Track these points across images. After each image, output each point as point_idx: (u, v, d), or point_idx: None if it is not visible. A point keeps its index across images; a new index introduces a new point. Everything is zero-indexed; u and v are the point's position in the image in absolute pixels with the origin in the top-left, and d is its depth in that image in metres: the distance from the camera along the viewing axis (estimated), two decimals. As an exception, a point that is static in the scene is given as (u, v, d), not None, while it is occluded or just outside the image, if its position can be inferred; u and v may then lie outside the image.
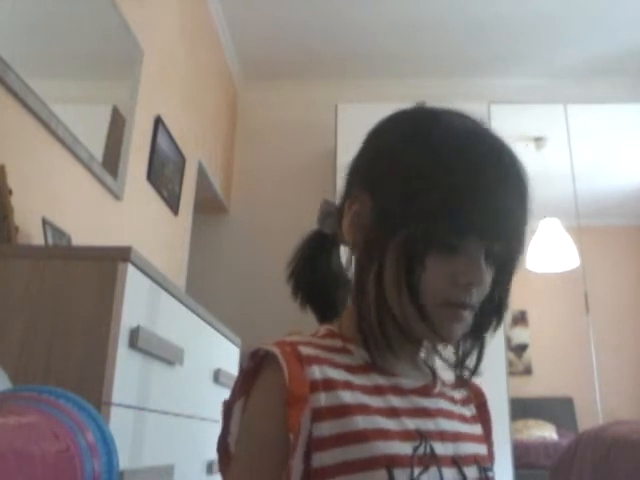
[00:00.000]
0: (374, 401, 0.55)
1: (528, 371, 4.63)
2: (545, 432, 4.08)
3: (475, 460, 0.59)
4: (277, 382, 0.53)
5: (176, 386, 1.25)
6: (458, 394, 0.67)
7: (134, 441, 1.02)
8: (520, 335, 4.71)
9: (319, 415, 0.52)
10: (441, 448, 0.56)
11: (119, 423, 0.94)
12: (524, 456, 3.54)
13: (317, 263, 0.68)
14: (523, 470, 3.25)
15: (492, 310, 0.62)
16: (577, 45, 3.45)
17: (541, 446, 3.72)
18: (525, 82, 3.71)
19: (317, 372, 0.54)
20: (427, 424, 0.57)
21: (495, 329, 0.64)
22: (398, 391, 0.58)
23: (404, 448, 0.53)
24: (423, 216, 0.56)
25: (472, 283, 0.57)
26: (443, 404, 0.62)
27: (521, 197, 0.59)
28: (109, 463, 0.70)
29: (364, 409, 0.54)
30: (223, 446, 0.58)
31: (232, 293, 3.38)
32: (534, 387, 4.49)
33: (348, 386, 0.55)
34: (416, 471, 0.52)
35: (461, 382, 0.66)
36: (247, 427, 0.55)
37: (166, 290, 1.17)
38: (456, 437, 0.59)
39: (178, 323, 1.27)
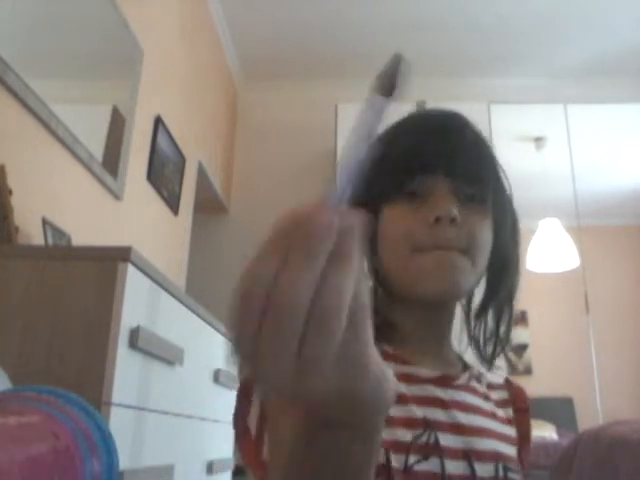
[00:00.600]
0: None
1: (528, 371, 4.62)
2: (545, 432, 4.08)
3: (495, 458, 0.58)
4: None
5: (176, 386, 1.25)
6: (496, 394, 0.66)
7: (134, 441, 1.02)
8: (520, 335, 4.70)
9: None
10: (450, 439, 0.55)
11: (119, 423, 0.94)
12: (524, 456, 3.53)
13: None
14: (523, 470, 3.24)
15: (504, 285, 0.63)
16: (577, 45, 3.45)
17: (541, 446, 3.71)
18: (525, 82, 3.71)
19: None
20: (438, 414, 0.57)
21: (508, 305, 0.64)
22: (412, 379, 0.58)
23: (405, 435, 0.53)
24: (384, 167, 0.58)
25: (440, 217, 0.56)
26: (466, 397, 0.60)
27: (478, 147, 0.62)
28: (109, 463, 0.70)
29: None
30: (242, 426, 0.56)
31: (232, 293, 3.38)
32: (534, 387, 4.48)
33: None
34: (412, 459, 0.52)
35: (500, 385, 0.67)
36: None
37: (166, 290, 1.17)
38: (475, 431, 0.58)
39: (178, 323, 1.27)
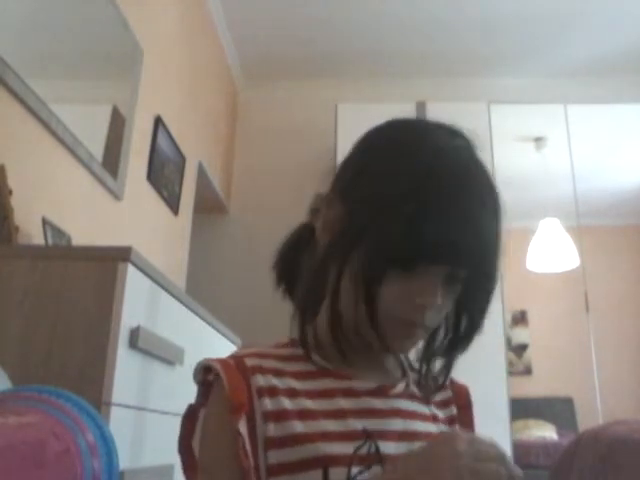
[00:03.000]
0: (319, 404, 0.58)
1: (528, 371, 4.62)
2: (545, 432, 4.08)
3: None
4: (222, 394, 0.57)
5: (176, 386, 1.25)
6: (437, 396, 0.67)
7: (134, 441, 1.02)
8: (520, 335, 4.70)
9: (268, 418, 0.56)
10: (391, 447, 0.57)
11: (119, 423, 0.94)
12: (524, 456, 3.54)
13: (301, 254, 0.69)
14: (523, 470, 3.24)
15: (464, 331, 0.63)
16: (577, 45, 3.45)
17: (541, 446, 3.71)
18: (525, 82, 3.71)
19: (262, 380, 0.58)
20: (377, 424, 0.58)
21: (462, 350, 0.64)
22: (350, 393, 0.60)
23: (345, 448, 0.55)
24: (387, 233, 0.56)
25: (425, 305, 0.57)
26: (403, 404, 0.62)
27: (491, 231, 0.58)
28: (109, 463, 0.70)
29: (304, 414, 0.57)
30: (185, 447, 0.62)
31: (232, 293, 3.38)
32: (534, 387, 4.48)
33: (290, 393, 0.58)
34: (354, 470, 0.54)
35: (447, 385, 0.67)
36: (203, 436, 0.60)
37: (166, 290, 1.17)
38: (415, 436, 0.59)
39: (178, 323, 1.27)
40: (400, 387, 0.63)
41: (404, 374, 0.66)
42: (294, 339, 0.64)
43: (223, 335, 1.63)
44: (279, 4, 3.20)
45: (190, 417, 0.63)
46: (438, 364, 0.65)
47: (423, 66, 3.67)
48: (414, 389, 0.65)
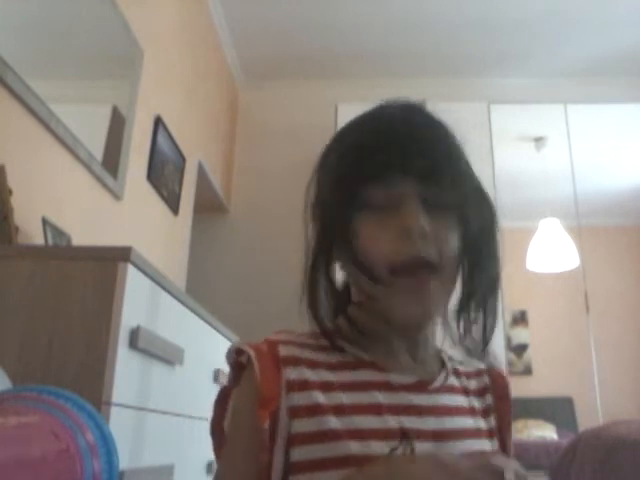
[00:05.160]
0: (355, 398, 0.56)
1: (528, 371, 4.62)
2: (545, 432, 4.08)
3: None
4: (252, 383, 0.56)
5: (176, 386, 1.25)
6: (475, 383, 0.65)
7: (134, 441, 1.02)
8: (520, 335, 4.70)
9: (296, 413, 0.54)
10: (427, 447, 0.55)
11: (119, 423, 0.94)
12: (524, 456, 3.54)
13: None
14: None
15: (482, 278, 0.61)
16: (577, 45, 3.45)
17: (541, 446, 3.71)
18: (525, 82, 3.71)
19: (294, 373, 0.56)
20: (415, 422, 0.56)
21: (491, 295, 0.62)
22: (388, 387, 0.58)
23: (380, 447, 0.53)
24: (340, 178, 0.59)
25: (411, 227, 0.55)
26: (442, 399, 0.60)
27: (445, 143, 0.61)
28: (109, 463, 0.70)
29: (339, 409, 0.55)
30: (218, 429, 0.61)
31: (232, 293, 3.38)
32: (534, 387, 4.48)
33: (324, 386, 0.56)
34: None
35: (480, 370, 0.66)
36: (231, 418, 0.59)
37: (166, 290, 1.17)
38: (452, 435, 0.57)
39: (178, 323, 1.27)
40: (439, 381, 0.61)
41: (443, 366, 0.64)
42: (322, 333, 0.62)
43: (223, 335, 1.63)
44: (279, 4, 3.20)
45: (222, 400, 0.61)
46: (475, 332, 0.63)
47: (423, 66, 3.67)
48: (454, 381, 0.63)
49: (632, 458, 1.85)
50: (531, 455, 3.65)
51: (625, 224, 4.79)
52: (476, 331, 0.62)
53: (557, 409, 4.41)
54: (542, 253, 3.96)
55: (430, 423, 0.57)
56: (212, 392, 1.52)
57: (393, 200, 0.57)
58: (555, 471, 2.39)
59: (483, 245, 0.61)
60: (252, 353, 0.57)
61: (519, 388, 4.00)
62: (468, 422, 0.61)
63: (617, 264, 4.67)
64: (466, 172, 0.62)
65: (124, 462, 0.92)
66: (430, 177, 0.57)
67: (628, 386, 4.33)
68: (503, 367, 2.82)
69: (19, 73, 1.40)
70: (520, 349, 4.69)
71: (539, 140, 3.78)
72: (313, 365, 0.57)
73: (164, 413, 1.17)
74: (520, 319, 4.72)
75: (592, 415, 3.54)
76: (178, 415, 1.25)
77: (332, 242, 0.60)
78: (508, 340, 4.53)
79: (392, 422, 0.55)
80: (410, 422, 0.56)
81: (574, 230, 3.78)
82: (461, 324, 0.63)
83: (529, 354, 4.68)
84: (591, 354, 3.63)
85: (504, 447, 0.65)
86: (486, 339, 0.62)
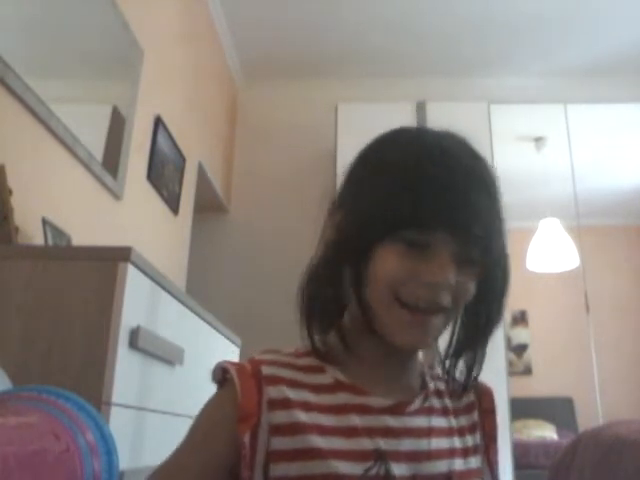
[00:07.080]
0: (331, 420, 0.57)
1: (528, 371, 4.62)
2: (545, 432, 4.08)
3: (447, 478, 0.58)
4: (232, 397, 0.57)
5: (176, 386, 1.25)
6: (459, 402, 0.66)
7: (134, 441, 1.02)
8: (520, 335, 4.70)
9: (276, 430, 0.56)
10: (402, 468, 0.56)
11: (119, 423, 0.94)
12: (524, 456, 3.54)
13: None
14: (523, 470, 3.25)
15: (481, 325, 0.62)
16: (577, 45, 3.45)
17: (541, 446, 3.71)
18: (525, 82, 3.71)
19: (275, 392, 0.57)
20: (391, 444, 0.57)
21: (482, 346, 0.63)
22: (366, 410, 0.58)
23: (354, 468, 0.54)
24: (377, 204, 0.57)
25: (439, 283, 0.56)
26: (419, 421, 0.60)
27: (485, 207, 0.58)
28: (109, 463, 0.70)
29: (319, 429, 0.56)
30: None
31: (232, 293, 3.38)
32: (534, 387, 4.48)
33: (304, 406, 0.57)
34: None
35: (463, 391, 0.66)
36: (203, 424, 0.61)
37: (166, 290, 1.17)
38: (428, 456, 0.58)
39: (178, 323, 1.27)
40: (417, 403, 0.62)
41: (423, 385, 0.65)
42: (313, 349, 0.63)
43: (223, 335, 1.63)
44: (279, 4, 3.20)
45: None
46: (461, 365, 0.64)
47: (423, 66, 3.67)
48: (433, 401, 0.63)
49: (632, 458, 1.85)
50: (531, 455, 3.65)
51: (625, 224, 4.79)
52: (463, 367, 0.64)
53: (557, 409, 4.41)
54: (542, 253, 3.97)
55: (406, 445, 0.57)
56: (212, 392, 1.52)
57: (423, 240, 0.56)
58: (555, 471, 2.39)
59: (494, 300, 0.62)
60: (233, 371, 0.59)
61: (519, 388, 4.00)
62: (443, 443, 0.61)
63: (617, 264, 4.67)
64: (499, 229, 0.60)
65: (124, 462, 0.92)
66: (468, 233, 0.56)
67: (628, 386, 4.33)
68: (504, 367, 2.82)
69: (19, 73, 1.40)
70: (520, 349, 4.69)
71: (539, 140, 3.78)
72: (294, 385, 0.59)
73: (164, 413, 1.17)
74: (520, 319, 4.73)
75: (592, 415, 3.54)
76: (178, 415, 1.25)
77: (344, 263, 0.60)
78: (508, 340, 4.52)
79: (367, 444, 0.56)
80: (386, 444, 0.56)
81: (574, 230, 3.78)
82: (452, 360, 0.64)
83: (529, 354, 4.68)
84: (591, 354, 3.63)
85: (489, 462, 0.66)
86: (470, 379, 0.64)
